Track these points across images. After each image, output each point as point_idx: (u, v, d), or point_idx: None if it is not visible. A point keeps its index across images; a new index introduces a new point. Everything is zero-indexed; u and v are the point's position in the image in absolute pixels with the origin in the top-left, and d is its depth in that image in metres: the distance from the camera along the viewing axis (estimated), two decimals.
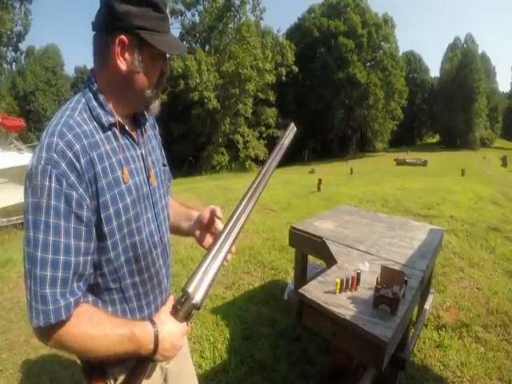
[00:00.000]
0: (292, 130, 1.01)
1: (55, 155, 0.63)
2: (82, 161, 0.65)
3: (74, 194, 0.64)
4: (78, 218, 0.65)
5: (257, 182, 0.89)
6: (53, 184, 0.62)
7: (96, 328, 0.67)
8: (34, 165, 0.64)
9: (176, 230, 1.02)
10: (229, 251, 0.80)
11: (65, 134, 0.65)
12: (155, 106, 0.81)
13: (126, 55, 0.70)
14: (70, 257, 0.64)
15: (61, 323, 0.63)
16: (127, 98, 0.76)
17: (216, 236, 0.81)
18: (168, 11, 0.74)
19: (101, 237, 0.71)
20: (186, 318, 0.76)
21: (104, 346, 0.67)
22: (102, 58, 0.72)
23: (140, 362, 0.74)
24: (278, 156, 0.96)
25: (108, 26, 0.69)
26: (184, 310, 0.74)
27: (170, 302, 0.79)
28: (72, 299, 0.64)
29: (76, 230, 0.65)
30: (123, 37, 0.68)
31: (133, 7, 0.67)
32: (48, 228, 0.62)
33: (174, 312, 0.75)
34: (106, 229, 0.70)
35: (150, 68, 0.74)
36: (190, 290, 0.72)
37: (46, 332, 0.64)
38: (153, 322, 0.73)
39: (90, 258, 0.69)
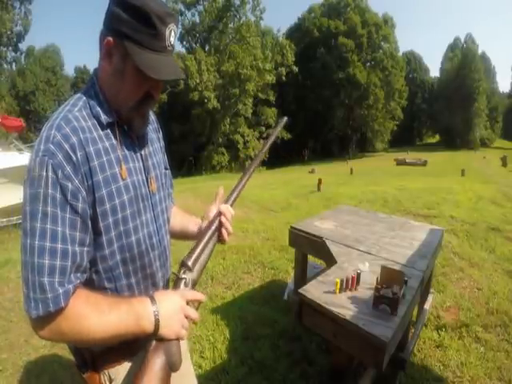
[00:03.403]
0: (283, 121, 1.18)
1: (52, 146, 0.64)
2: (78, 154, 0.66)
3: (70, 185, 0.65)
4: (73, 209, 0.65)
5: (251, 168, 1.03)
6: (50, 174, 0.63)
7: (93, 309, 0.65)
8: (33, 158, 0.65)
9: (183, 235, 1.01)
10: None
11: (62, 127, 0.66)
12: (138, 125, 0.77)
13: (112, 58, 0.70)
14: (67, 245, 0.64)
15: (60, 311, 0.63)
16: (115, 101, 0.74)
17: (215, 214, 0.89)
18: (169, 30, 0.67)
19: (96, 232, 0.71)
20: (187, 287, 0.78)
21: (102, 326, 0.65)
22: (99, 54, 0.73)
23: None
24: (269, 144, 1.10)
25: (105, 24, 0.70)
26: (181, 278, 0.77)
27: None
28: (70, 285, 0.64)
29: (71, 221, 0.65)
30: (111, 39, 0.68)
31: (123, 13, 0.66)
32: (45, 216, 0.63)
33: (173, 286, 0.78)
34: (101, 224, 0.70)
35: (132, 83, 0.70)
36: (187, 260, 0.78)
37: (46, 322, 0.63)
38: (151, 297, 0.71)
39: (86, 249, 0.68)
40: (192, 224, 1.00)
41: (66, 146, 0.65)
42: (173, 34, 0.69)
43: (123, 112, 0.74)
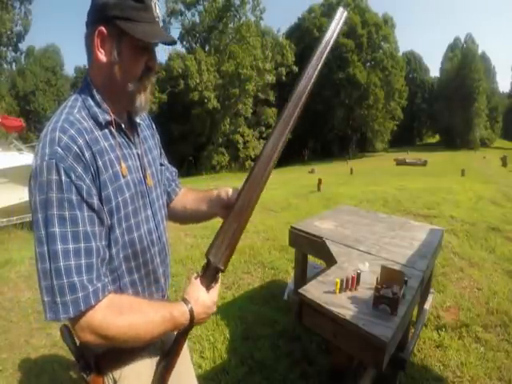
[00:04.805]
0: (343, 15, 0.86)
1: (60, 149, 0.64)
2: (87, 154, 0.67)
3: (83, 184, 0.65)
4: (89, 206, 0.66)
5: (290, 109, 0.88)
6: (62, 177, 0.63)
7: (139, 315, 0.69)
8: (37, 163, 0.64)
9: (195, 215, 1.02)
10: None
11: (67, 130, 0.66)
12: (141, 101, 0.78)
13: (106, 46, 0.71)
14: (91, 243, 0.66)
15: (91, 309, 0.64)
16: (114, 93, 0.75)
17: (237, 196, 0.84)
18: (153, 2, 0.73)
19: None
20: (213, 283, 0.80)
21: (149, 330, 0.69)
22: (89, 52, 0.73)
23: (180, 335, 0.79)
24: (323, 58, 0.84)
25: (91, 19, 0.71)
26: (210, 276, 0.79)
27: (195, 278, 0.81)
28: (99, 284, 0.65)
29: (90, 218, 0.66)
30: (102, 28, 0.69)
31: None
32: (64, 220, 0.63)
33: (201, 281, 0.79)
34: (108, 223, 0.71)
35: (131, 60, 0.72)
36: (211, 255, 0.78)
37: (81, 323, 0.64)
38: (186, 301, 0.75)
39: (104, 242, 0.70)
40: (203, 203, 0.98)
41: (75, 148, 0.65)
42: (158, 6, 0.74)
43: (125, 97, 0.76)
